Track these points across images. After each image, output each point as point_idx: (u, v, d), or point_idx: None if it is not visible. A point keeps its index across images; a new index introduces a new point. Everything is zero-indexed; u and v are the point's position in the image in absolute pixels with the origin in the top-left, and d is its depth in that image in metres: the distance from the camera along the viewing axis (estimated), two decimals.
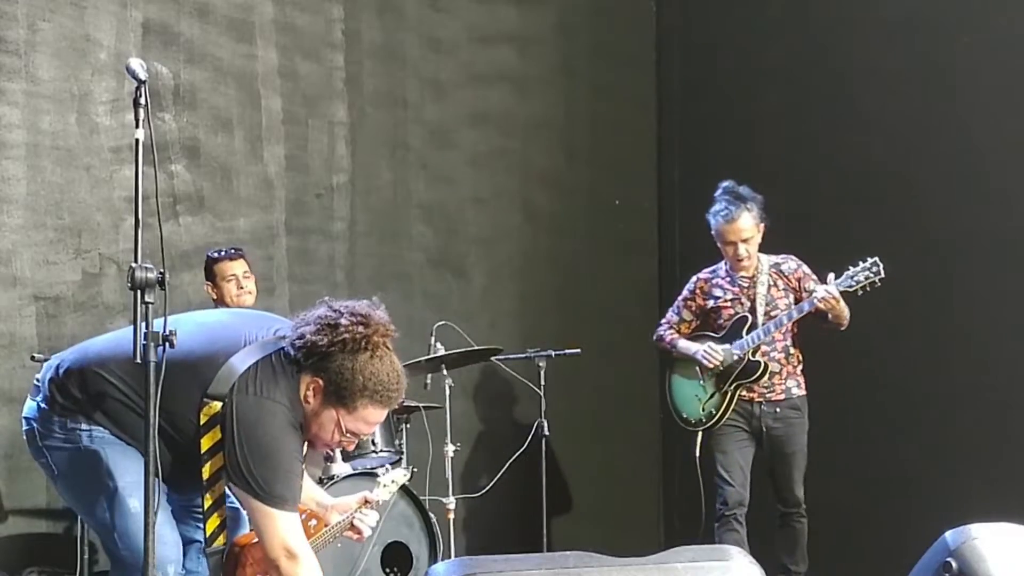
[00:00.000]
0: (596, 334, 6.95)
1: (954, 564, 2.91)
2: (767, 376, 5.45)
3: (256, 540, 3.38)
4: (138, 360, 2.99)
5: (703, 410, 5.58)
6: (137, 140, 3.11)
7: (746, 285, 5.56)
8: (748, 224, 5.46)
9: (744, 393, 5.50)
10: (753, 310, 5.50)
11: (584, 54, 7.58)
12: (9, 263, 5.58)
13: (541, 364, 6.13)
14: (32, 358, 5.20)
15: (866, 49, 6.50)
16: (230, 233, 6.17)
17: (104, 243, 5.83)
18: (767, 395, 5.49)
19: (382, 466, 5.29)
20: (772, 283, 5.53)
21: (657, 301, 7.10)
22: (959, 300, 6.05)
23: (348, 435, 3.34)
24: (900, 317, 6.16)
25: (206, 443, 3.22)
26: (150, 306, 3.01)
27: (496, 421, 7.04)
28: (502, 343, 6.23)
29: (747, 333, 5.46)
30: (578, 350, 6.24)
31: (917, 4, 6.30)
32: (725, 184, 5.56)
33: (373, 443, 5.40)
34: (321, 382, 3.24)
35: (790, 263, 5.58)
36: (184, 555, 3.46)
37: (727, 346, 5.48)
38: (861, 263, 5.25)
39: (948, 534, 3.01)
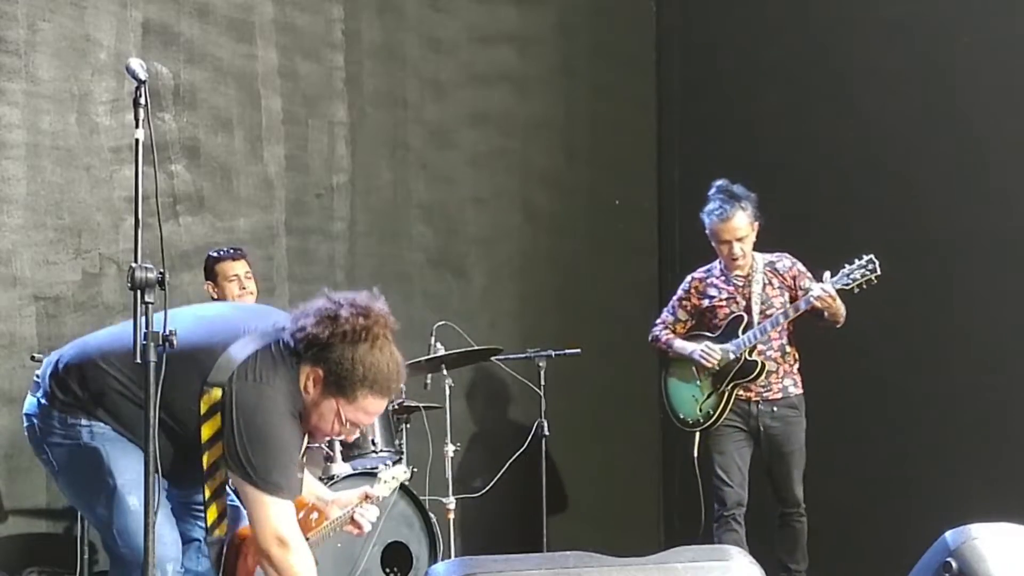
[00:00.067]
0: (596, 334, 6.95)
1: (954, 564, 2.91)
2: (764, 375, 5.44)
3: None
4: (138, 360, 2.99)
5: (700, 410, 5.57)
6: (137, 140, 3.11)
7: (741, 284, 5.55)
8: (743, 223, 5.45)
9: (741, 392, 5.49)
10: (749, 309, 5.49)
11: (584, 54, 7.58)
12: (9, 263, 5.58)
13: (541, 364, 6.13)
14: (32, 358, 5.20)
15: (866, 49, 6.50)
16: (230, 233, 6.17)
17: (104, 243, 5.83)
18: (764, 394, 5.49)
19: (383, 463, 5.29)
20: (767, 281, 5.52)
21: (657, 301, 7.09)
22: (959, 300, 6.05)
23: (348, 425, 3.35)
24: (900, 317, 6.16)
25: (206, 432, 3.22)
26: (150, 306, 3.01)
27: (496, 421, 7.04)
28: (502, 343, 6.23)
29: (743, 332, 5.45)
30: (578, 350, 6.24)
31: (917, 4, 6.30)
32: (719, 183, 5.55)
33: (373, 443, 5.40)
34: (321, 372, 3.25)
35: (784, 261, 5.58)
36: (183, 554, 3.46)
37: (725, 345, 5.48)
38: (857, 260, 5.24)
39: (948, 534, 3.01)
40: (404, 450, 5.61)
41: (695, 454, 5.60)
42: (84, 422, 3.31)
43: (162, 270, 3.02)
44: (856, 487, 6.27)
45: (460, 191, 7.08)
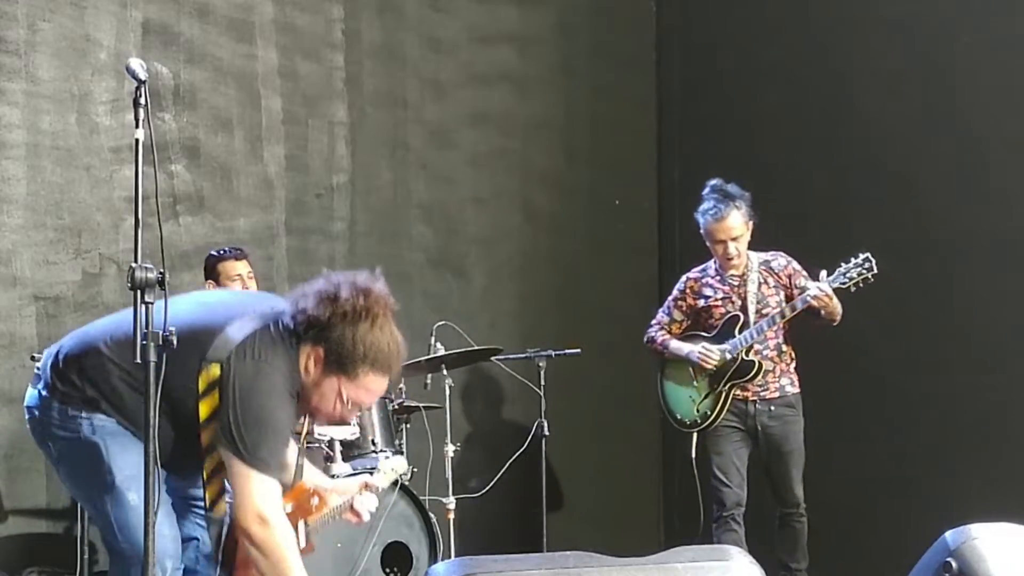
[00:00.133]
0: (596, 334, 6.95)
1: (954, 564, 2.92)
2: (761, 375, 5.44)
3: None
4: (138, 360, 2.99)
5: (697, 411, 5.57)
6: (137, 140, 3.11)
7: (736, 284, 5.54)
8: (737, 222, 5.44)
9: (738, 392, 5.48)
10: (744, 309, 5.49)
11: (584, 54, 7.57)
12: (9, 263, 5.58)
13: (541, 364, 6.12)
14: (32, 358, 5.19)
15: (866, 49, 6.51)
16: (230, 233, 6.17)
17: (104, 243, 5.83)
18: (761, 393, 5.48)
19: (384, 454, 5.29)
20: (762, 281, 5.52)
21: (657, 301, 7.07)
22: (959, 300, 6.05)
23: (349, 405, 3.35)
24: (900, 317, 6.16)
25: (204, 409, 3.22)
26: (150, 306, 3.01)
27: (496, 421, 7.04)
28: (502, 343, 6.23)
29: (739, 332, 5.45)
30: (578, 350, 6.24)
31: (917, 4, 6.30)
32: (713, 182, 5.54)
33: (373, 443, 5.40)
34: (322, 352, 3.27)
35: (780, 260, 5.57)
36: (183, 552, 3.46)
37: (722, 346, 5.47)
38: (853, 259, 5.23)
39: (948, 534, 3.02)
40: (404, 450, 5.61)
41: (693, 455, 5.59)
42: (84, 414, 3.31)
43: (162, 270, 3.02)
44: (856, 487, 6.27)
45: (460, 191, 7.08)
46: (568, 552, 2.91)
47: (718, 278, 5.59)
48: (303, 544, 3.57)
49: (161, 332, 2.99)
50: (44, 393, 3.38)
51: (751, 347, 5.44)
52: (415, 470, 5.64)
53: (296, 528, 3.56)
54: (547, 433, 6.03)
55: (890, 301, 5.85)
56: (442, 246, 6.99)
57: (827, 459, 5.77)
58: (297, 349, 3.28)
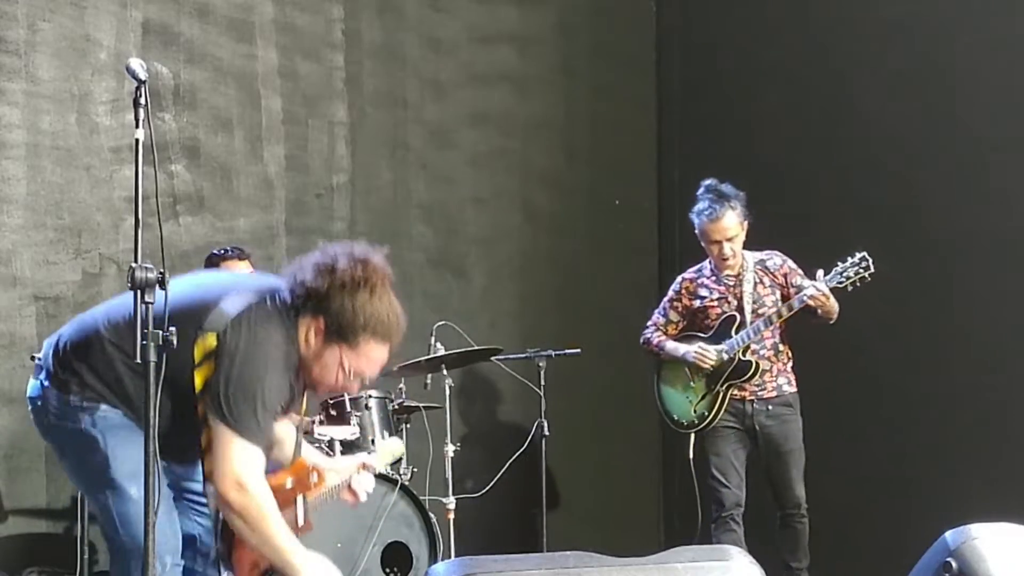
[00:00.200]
0: (596, 334, 6.95)
1: (954, 564, 2.92)
2: (758, 375, 5.44)
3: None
4: (138, 360, 2.99)
5: (694, 412, 5.56)
6: (137, 140, 3.11)
7: (732, 283, 5.53)
8: (732, 222, 5.43)
9: (735, 392, 5.47)
10: (740, 308, 5.48)
11: (584, 54, 7.58)
12: (9, 263, 5.58)
13: (541, 364, 6.12)
14: (32, 358, 5.18)
15: (866, 49, 6.50)
16: (230, 233, 6.17)
17: (104, 243, 5.83)
18: (759, 393, 5.47)
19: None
20: (758, 280, 5.51)
21: (657, 301, 7.08)
22: (959, 300, 6.05)
23: (351, 375, 3.35)
24: (900, 316, 6.16)
25: (199, 379, 3.21)
26: (150, 306, 3.01)
27: (496, 421, 7.04)
28: (502, 343, 6.23)
29: (736, 332, 5.44)
30: (578, 350, 6.24)
31: (917, 4, 6.30)
32: (707, 182, 5.53)
33: (373, 443, 5.40)
34: (322, 322, 3.27)
35: (775, 259, 5.56)
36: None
37: (719, 346, 5.46)
38: (850, 258, 5.22)
39: (948, 534, 3.02)
40: (404, 460, 5.60)
41: (690, 456, 5.59)
42: (86, 404, 3.30)
43: (162, 270, 3.02)
44: (856, 487, 6.27)
45: (460, 191, 7.08)
46: (568, 552, 2.91)
47: (714, 278, 5.59)
48: (301, 522, 3.57)
49: (161, 333, 2.99)
50: (45, 383, 3.38)
51: (748, 347, 5.43)
52: (415, 470, 5.64)
53: (295, 504, 3.56)
54: (547, 433, 6.03)
55: (890, 301, 5.85)
56: (442, 246, 6.99)
57: (827, 459, 5.77)
58: (295, 322, 3.28)
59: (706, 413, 5.50)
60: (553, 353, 6.16)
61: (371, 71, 6.78)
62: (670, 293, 5.73)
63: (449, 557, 5.30)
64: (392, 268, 3.39)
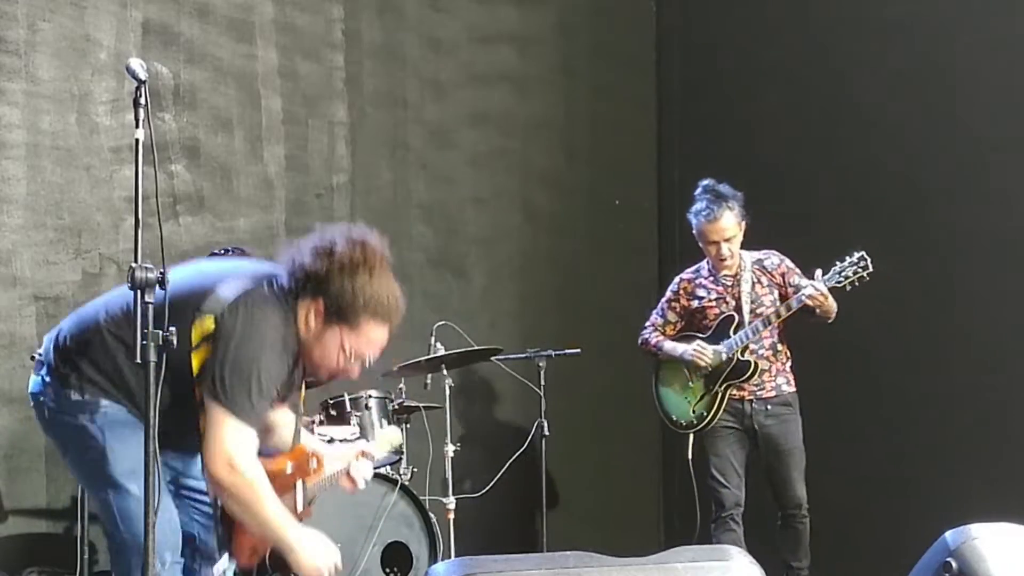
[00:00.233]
0: (596, 334, 6.95)
1: (954, 564, 2.92)
2: (757, 375, 5.43)
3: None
4: (138, 360, 2.99)
5: (693, 412, 5.56)
6: (137, 140, 3.11)
7: (730, 284, 5.53)
8: (730, 223, 5.43)
9: (734, 392, 5.47)
10: (739, 308, 5.48)
11: (584, 54, 7.58)
12: (9, 263, 5.58)
13: (541, 364, 6.12)
14: (32, 358, 5.18)
15: (866, 49, 6.50)
16: (230, 233, 6.17)
17: (104, 243, 5.83)
18: (758, 393, 5.47)
19: (383, 467, 5.30)
20: (756, 280, 5.51)
21: (657, 301, 7.09)
22: (959, 300, 6.05)
23: (352, 357, 3.36)
24: (900, 316, 6.16)
25: (196, 362, 3.21)
26: (150, 306, 3.01)
27: (496, 421, 7.04)
28: (502, 343, 6.23)
29: (734, 332, 5.44)
30: (578, 350, 6.24)
31: (917, 4, 6.30)
32: (705, 183, 5.53)
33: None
34: (322, 304, 3.29)
35: (772, 259, 5.56)
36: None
37: (717, 347, 5.46)
38: (848, 258, 5.22)
39: (948, 534, 3.02)
40: (404, 450, 5.61)
41: (689, 456, 5.59)
42: (87, 399, 3.30)
43: (162, 270, 3.02)
44: (856, 487, 6.27)
45: (460, 191, 7.08)
46: (568, 552, 2.91)
47: (711, 278, 5.58)
48: (300, 507, 3.57)
49: (161, 333, 2.99)
50: (47, 378, 3.38)
51: (746, 347, 5.43)
52: (415, 470, 5.64)
53: (294, 489, 3.56)
54: (547, 433, 6.03)
55: (890, 301, 5.85)
56: (442, 246, 6.99)
57: (827, 459, 5.77)
58: (294, 306, 3.30)
59: (705, 413, 5.50)
60: (553, 353, 6.16)
61: (371, 71, 6.78)
62: (668, 293, 5.73)
63: (449, 557, 5.30)
64: (392, 268, 3.40)
